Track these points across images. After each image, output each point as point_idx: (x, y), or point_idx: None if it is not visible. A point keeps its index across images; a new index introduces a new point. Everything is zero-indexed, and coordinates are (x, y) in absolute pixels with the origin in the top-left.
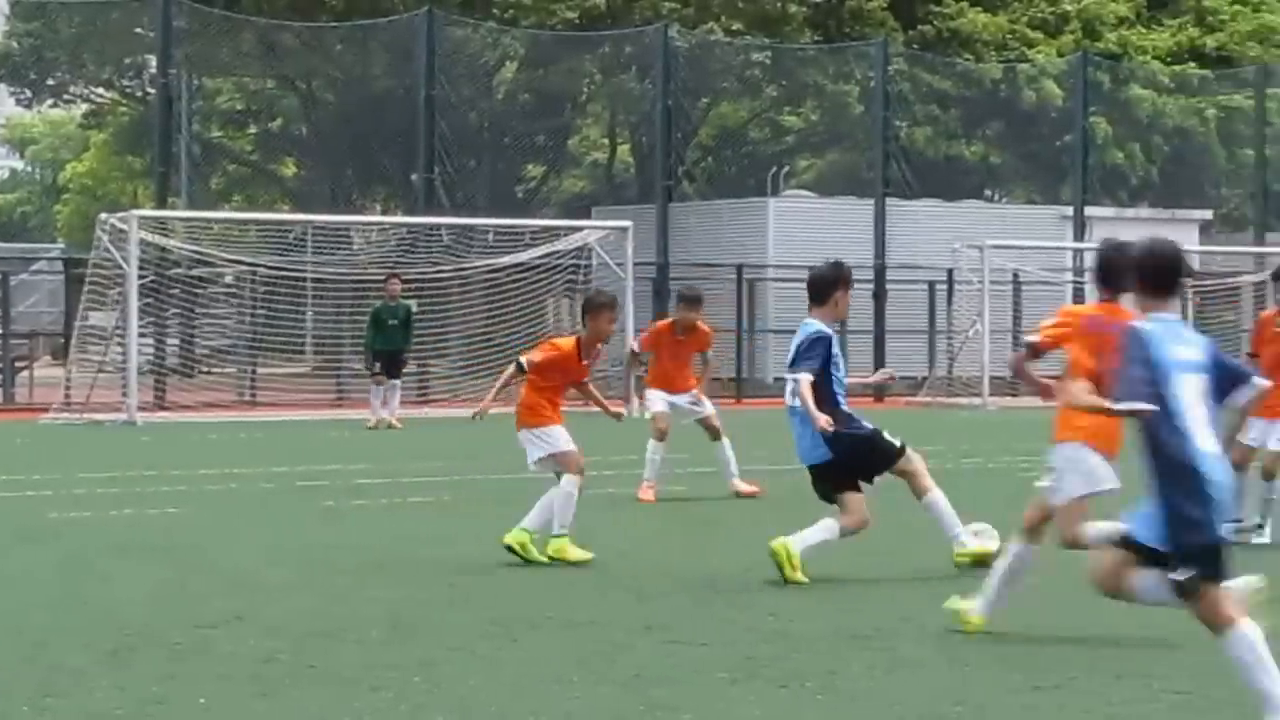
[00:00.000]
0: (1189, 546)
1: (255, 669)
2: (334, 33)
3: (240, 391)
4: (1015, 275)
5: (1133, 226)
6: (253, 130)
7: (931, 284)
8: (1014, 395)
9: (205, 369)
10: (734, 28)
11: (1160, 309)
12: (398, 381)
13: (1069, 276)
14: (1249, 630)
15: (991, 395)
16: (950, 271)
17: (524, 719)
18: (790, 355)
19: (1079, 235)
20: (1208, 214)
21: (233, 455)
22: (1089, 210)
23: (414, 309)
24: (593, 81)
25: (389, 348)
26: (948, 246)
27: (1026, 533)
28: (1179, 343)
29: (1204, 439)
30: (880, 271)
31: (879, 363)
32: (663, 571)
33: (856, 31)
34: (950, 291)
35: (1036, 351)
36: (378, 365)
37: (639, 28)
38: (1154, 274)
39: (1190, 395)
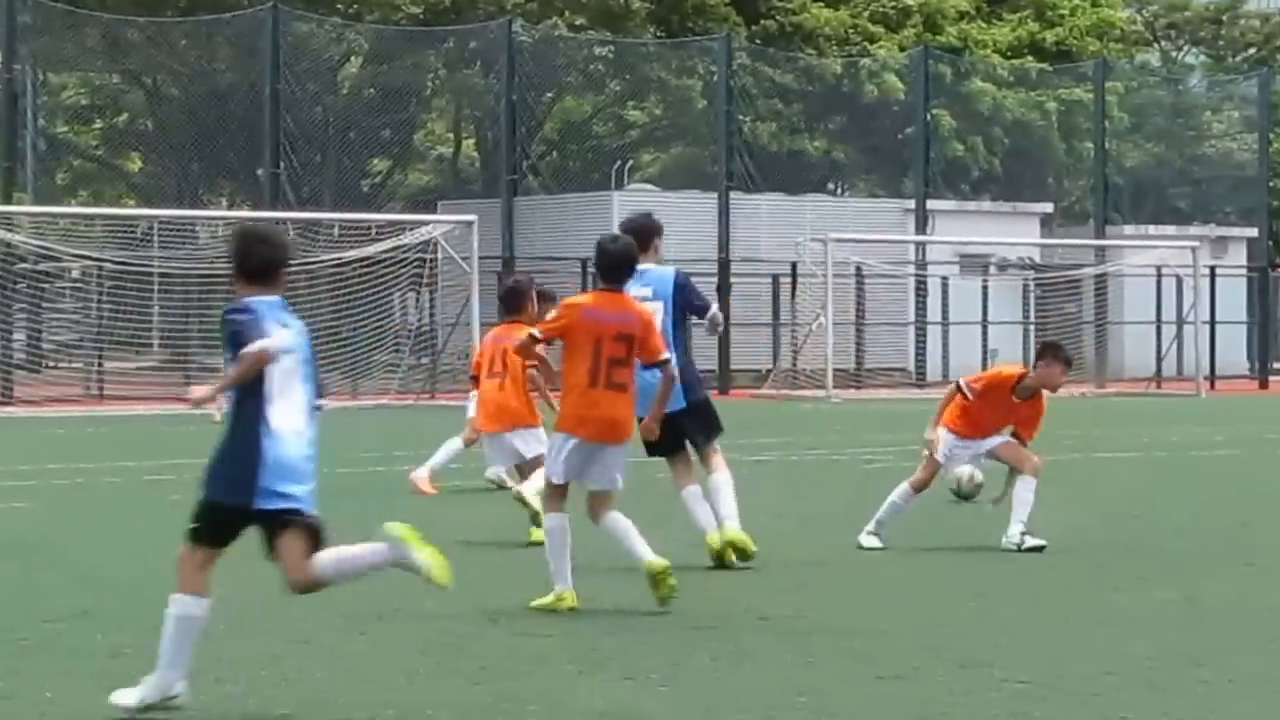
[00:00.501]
0: (210, 501)
1: (102, 664)
2: (179, 28)
3: (87, 386)
4: (858, 268)
5: (975, 220)
6: (99, 125)
7: (775, 277)
8: (858, 388)
9: (52, 364)
10: (577, 23)
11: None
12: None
13: (911, 269)
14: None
15: (835, 387)
16: (794, 265)
17: (372, 712)
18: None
19: (921, 228)
20: (1048, 207)
21: (80, 450)
22: (931, 204)
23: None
24: (437, 76)
25: None
26: (791, 240)
27: None
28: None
29: (280, 415)
30: (724, 265)
31: (723, 357)
32: (508, 563)
33: (699, 26)
34: (794, 285)
35: (538, 341)
36: None
37: (483, 23)
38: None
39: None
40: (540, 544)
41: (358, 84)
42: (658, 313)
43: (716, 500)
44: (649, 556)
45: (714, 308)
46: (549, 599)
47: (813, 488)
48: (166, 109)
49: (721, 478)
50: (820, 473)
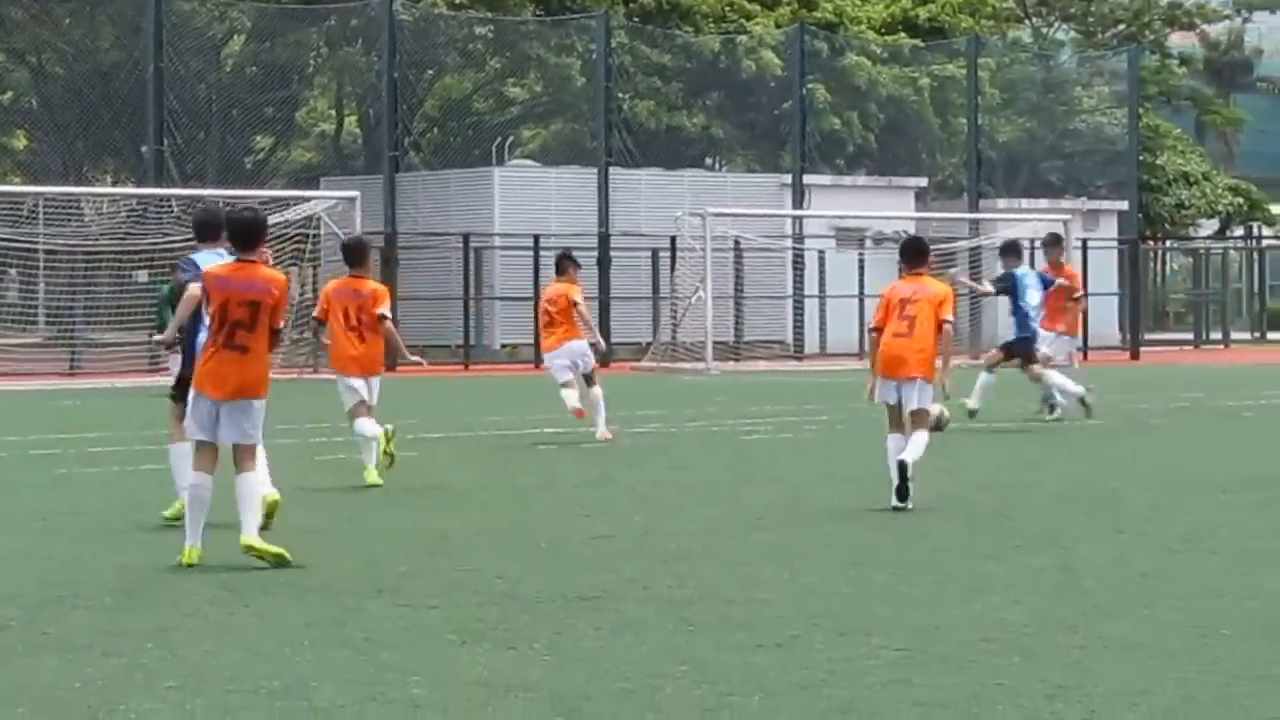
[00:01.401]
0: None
1: None
2: (63, 6)
3: None
4: (737, 242)
5: (851, 194)
6: None
7: (655, 251)
8: (736, 360)
9: None
10: (457, 1)
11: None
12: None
13: (789, 243)
14: None
15: (715, 360)
16: (673, 239)
17: (256, 683)
18: None
19: (798, 203)
20: (923, 181)
21: None
22: (808, 178)
23: None
24: (319, 54)
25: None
26: (670, 215)
27: None
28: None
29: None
30: (604, 239)
31: (604, 329)
32: (392, 535)
33: (578, 5)
34: (673, 259)
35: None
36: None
37: (364, 1)
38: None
39: None
40: (377, 486)
41: (240, 62)
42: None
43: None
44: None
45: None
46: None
47: (693, 459)
48: (51, 87)
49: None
50: (700, 444)
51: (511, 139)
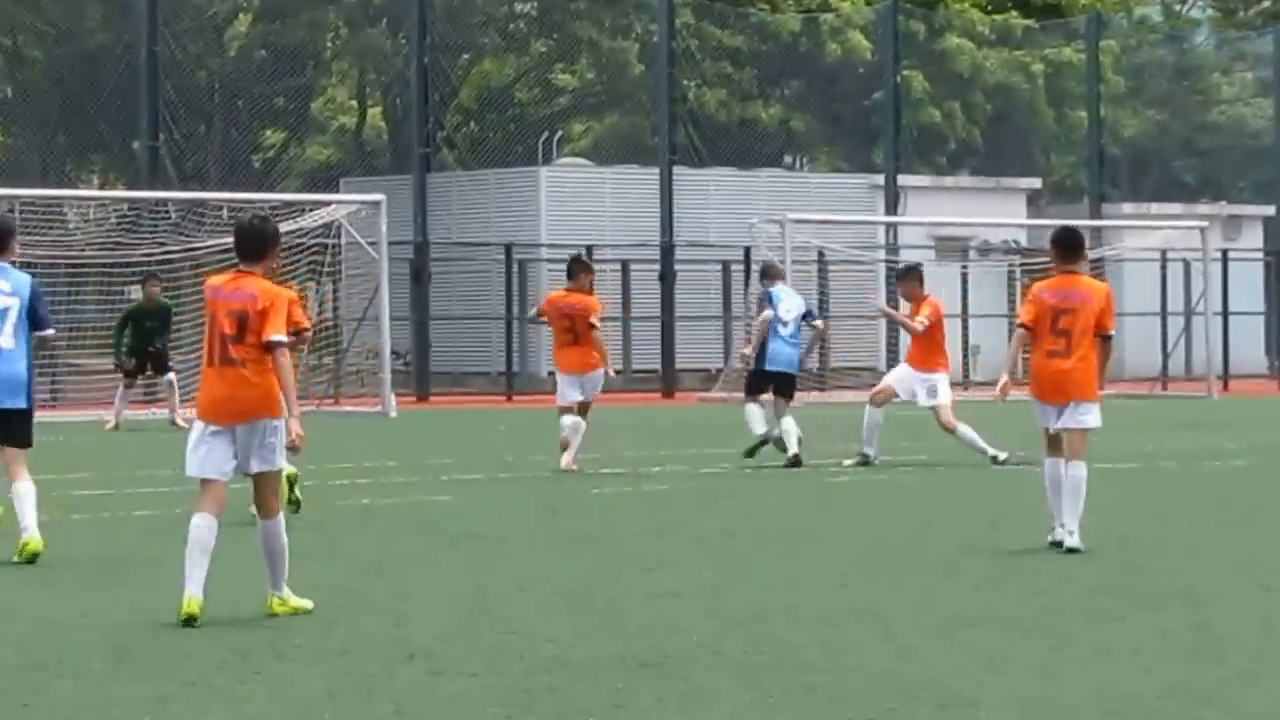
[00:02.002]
0: None
1: None
2: None
3: None
4: (820, 253)
5: (952, 197)
6: None
7: (725, 264)
8: (820, 390)
9: None
10: None
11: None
12: (172, 376)
13: (881, 254)
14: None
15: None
16: (747, 250)
17: None
18: None
19: (892, 207)
20: (1036, 183)
21: None
22: (902, 179)
23: (172, 310)
24: (338, 36)
25: (150, 345)
26: (744, 221)
27: None
28: None
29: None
30: (667, 250)
31: (666, 355)
32: (424, 590)
33: None
34: (747, 272)
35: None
36: (133, 362)
37: None
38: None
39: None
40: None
41: (247, 45)
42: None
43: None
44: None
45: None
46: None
47: (770, 503)
48: (28, 74)
49: (23, 487)
50: (779, 486)
51: (560, 134)
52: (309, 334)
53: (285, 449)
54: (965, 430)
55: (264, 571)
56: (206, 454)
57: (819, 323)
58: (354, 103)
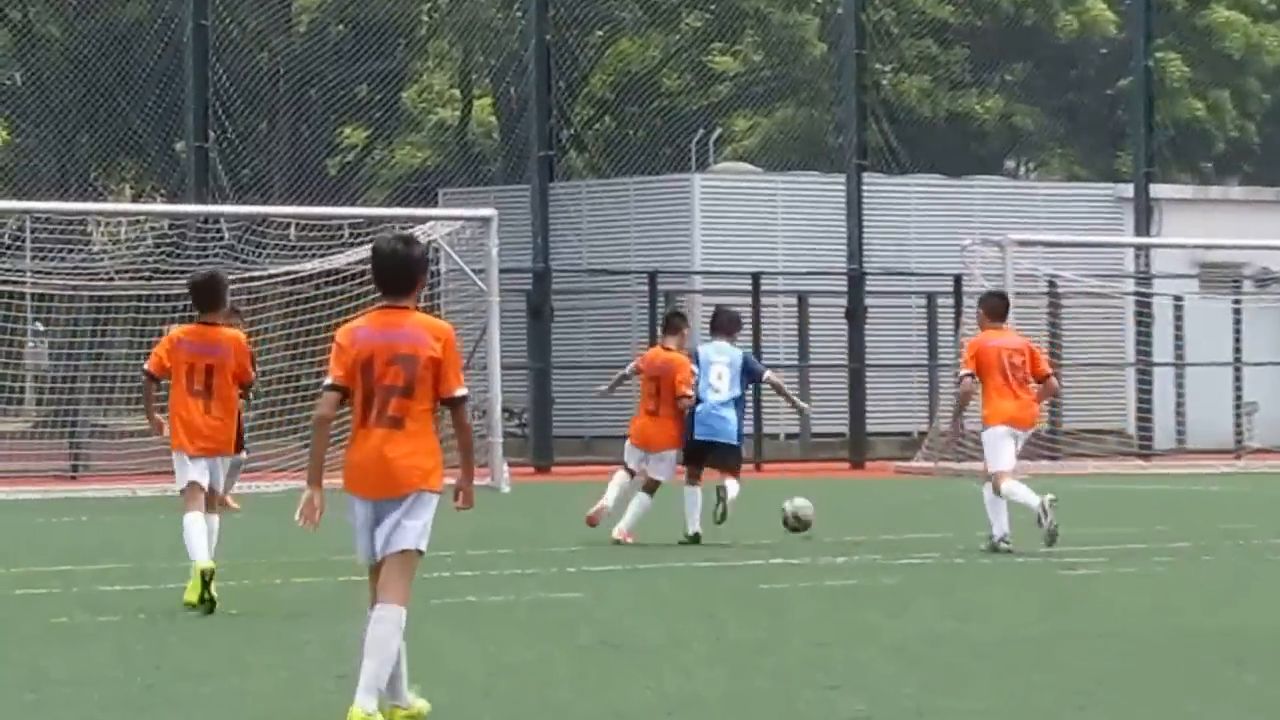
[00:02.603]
0: None
1: None
2: None
3: None
4: (1052, 284)
5: (1221, 213)
6: None
7: (931, 297)
8: (1053, 458)
9: None
10: None
11: None
12: (244, 455)
13: (1129, 285)
14: None
15: (1021, 457)
16: (957, 279)
17: None
18: None
19: (1143, 226)
20: None
21: None
22: (1156, 189)
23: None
24: (436, 9)
25: None
26: (953, 243)
27: None
28: None
29: None
30: (856, 280)
31: (855, 413)
32: (548, 713)
33: None
34: (958, 308)
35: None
36: None
37: None
38: None
39: None
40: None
41: (321, 20)
42: None
43: None
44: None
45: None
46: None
47: (987, 602)
48: (43, 55)
49: None
50: (999, 580)
51: (718, 133)
52: (254, 386)
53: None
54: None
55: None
56: (366, 534)
57: (768, 375)
58: (456, 92)
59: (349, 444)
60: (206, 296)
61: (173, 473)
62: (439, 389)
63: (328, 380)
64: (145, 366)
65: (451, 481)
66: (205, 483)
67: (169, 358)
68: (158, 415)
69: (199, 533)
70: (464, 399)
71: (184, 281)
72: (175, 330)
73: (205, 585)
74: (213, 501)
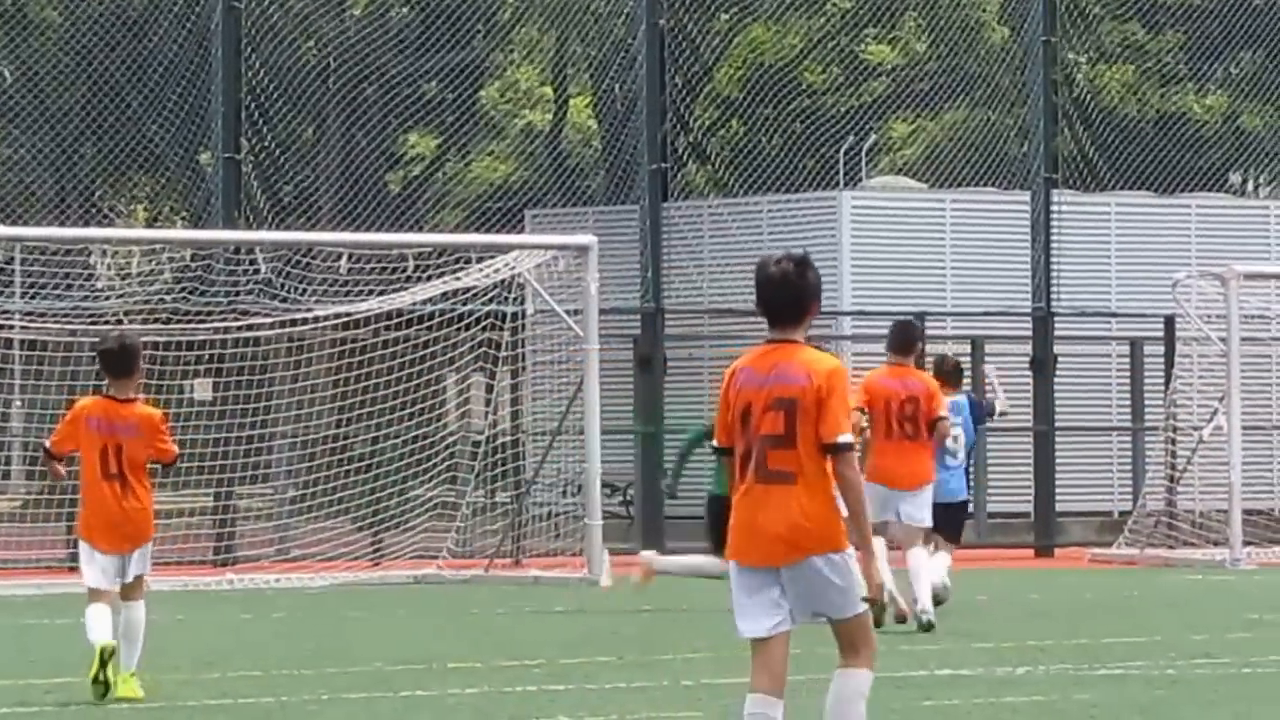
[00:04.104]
0: None
1: None
2: None
3: None
4: None
5: None
6: None
7: (1135, 343)
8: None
9: None
10: None
11: None
12: None
13: None
14: None
15: (1248, 544)
16: (1169, 320)
17: None
18: None
19: None
20: None
21: None
22: None
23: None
24: None
25: None
26: (1164, 276)
27: None
28: None
29: None
30: (1043, 321)
31: (1044, 490)
32: None
33: None
34: (1169, 356)
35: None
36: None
37: None
38: None
39: None
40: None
41: (381, 2)
42: None
43: None
44: None
45: None
46: None
47: None
48: (38, 46)
49: None
50: (1225, 694)
51: (873, 140)
52: (174, 463)
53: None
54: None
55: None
56: (751, 607)
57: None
58: (548, 90)
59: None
60: (117, 365)
61: (193, 561)
62: (818, 433)
63: (713, 442)
64: (45, 444)
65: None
66: (112, 586)
67: (74, 438)
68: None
69: (99, 614)
70: (848, 446)
71: (210, 326)
72: (81, 403)
73: (103, 664)
74: (138, 587)
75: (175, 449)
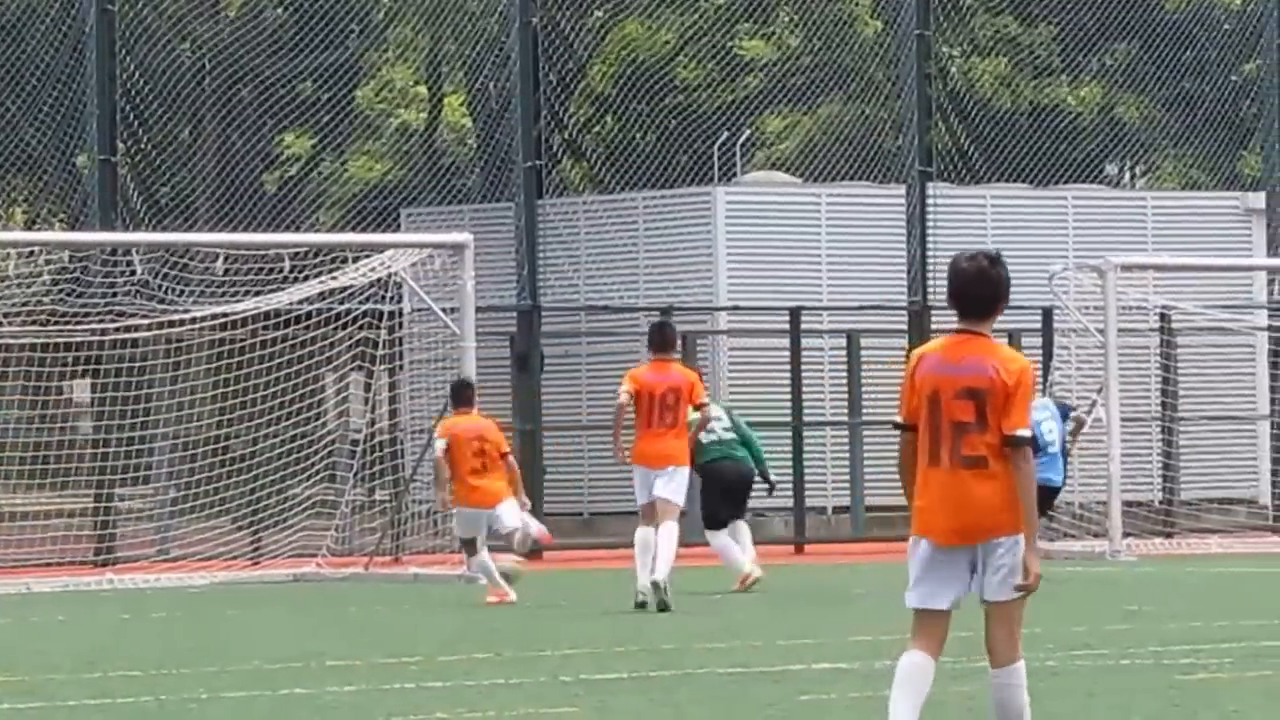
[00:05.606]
0: None
1: None
2: None
3: None
4: (1164, 317)
5: None
6: None
7: (1012, 334)
8: (1167, 536)
9: None
10: None
11: None
12: None
13: (1262, 318)
14: None
15: (1127, 535)
16: (1046, 311)
17: None
18: None
19: (1277, 245)
20: None
21: None
22: None
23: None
24: None
25: None
26: (1040, 268)
27: None
28: None
29: None
30: (917, 315)
31: None
32: None
33: None
34: (1047, 348)
35: None
36: None
37: None
38: None
39: None
40: None
41: (256, 2)
42: None
43: None
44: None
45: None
46: None
47: (1091, 712)
48: None
49: None
50: (1102, 685)
51: (747, 135)
52: None
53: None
54: None
55: None
56: (935, 582)
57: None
58: (422, 89)
59: (918, 485)
60: None
61: (74, 561)
62: (1001, 425)
63: (897, 419)
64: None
65: None
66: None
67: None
68: None
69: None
70: (1028, 440)
71: (88, 328)
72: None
73: None
74: None
75: None
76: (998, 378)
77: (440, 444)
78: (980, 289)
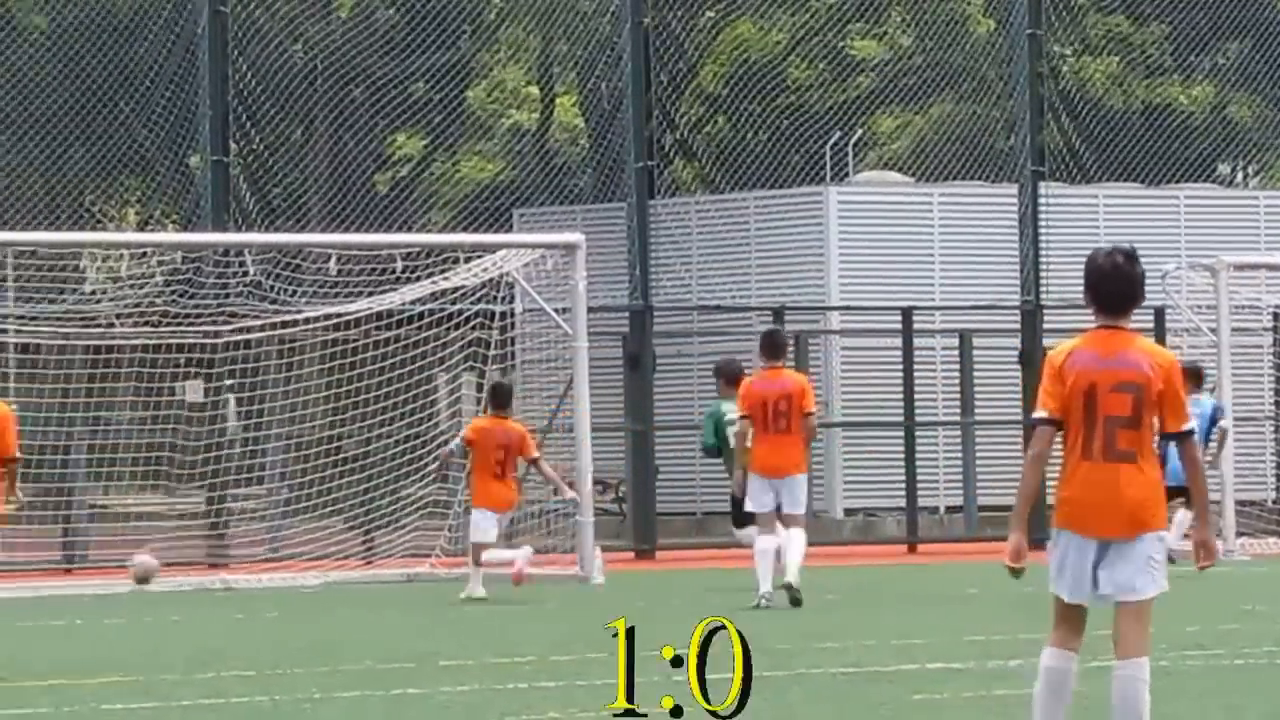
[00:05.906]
0: None
1: None
2: None
3: None
4: (1277, 316)
5: None
6: None
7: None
8: None
9: None
10: None
11: None
12: None
13: None
14: None
15: (1240, 535)
16: (1158, 311)
17: None
18: None
19: None
20: None
21: None
22: None
23: None
24: None
25: None
26: (1154, 268)
27: None
28: None
29: None
30: (1032, 314)
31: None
32: None
33: None
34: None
35: None
36: None
37: None
38: None
39: None
40: None
41: (368, 3)
42: None
43: None
44: None
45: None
46: None
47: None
48: (25, 51)
49: None
50: (1216, 685)
51: (860, 135)
52: (17, 465)
53: None
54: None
55: None
56: (1081, 575)
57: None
58: (534, 90)
59: (1063, 478)
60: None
61: (187, 563)
62: (1165, 423)
63: (1041, 413)
64: None
65: None
66: None
67: None
68: None
69: None
70: (1191, 433)
71: (201, 329)
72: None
73: None
74: None
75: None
76: (1153, 374)
77: (455, 442)
78: (1119, 285)
